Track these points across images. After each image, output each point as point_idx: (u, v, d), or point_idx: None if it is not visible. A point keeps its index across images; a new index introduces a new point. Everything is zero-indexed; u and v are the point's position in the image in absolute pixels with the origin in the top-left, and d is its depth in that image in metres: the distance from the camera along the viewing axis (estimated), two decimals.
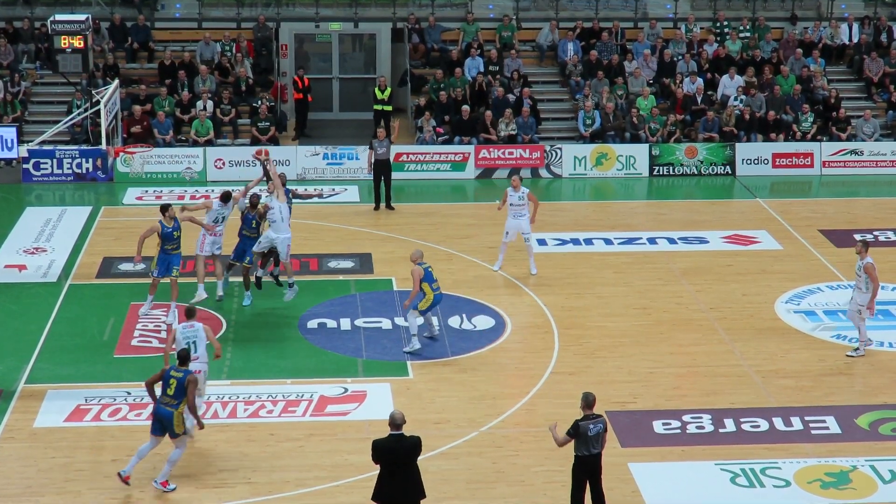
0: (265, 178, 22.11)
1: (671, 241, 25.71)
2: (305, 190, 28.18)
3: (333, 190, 29.58)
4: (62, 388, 18.42)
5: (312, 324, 21.03)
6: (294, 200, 23.18)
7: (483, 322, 21.22)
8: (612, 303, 22.23)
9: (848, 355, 19.90)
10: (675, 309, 21.95)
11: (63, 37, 29.28)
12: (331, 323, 21.07)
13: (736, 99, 32.46)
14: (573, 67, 33.69)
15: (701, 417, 17.69)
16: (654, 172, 31.04)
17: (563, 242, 25.48)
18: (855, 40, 35.23)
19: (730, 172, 31.13)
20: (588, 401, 14.43)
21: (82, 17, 30.22)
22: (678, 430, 17.36)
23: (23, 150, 29.04)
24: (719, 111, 32.40)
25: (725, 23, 35.41)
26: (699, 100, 32.60)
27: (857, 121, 32.27)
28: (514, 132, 31.22)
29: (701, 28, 35.43)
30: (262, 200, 21.35)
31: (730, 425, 17.49)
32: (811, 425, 17.54)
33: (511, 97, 32.24)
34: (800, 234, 26.20)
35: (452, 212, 28.05)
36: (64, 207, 27.94)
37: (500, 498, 15.57)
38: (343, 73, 35.43)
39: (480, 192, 29.96)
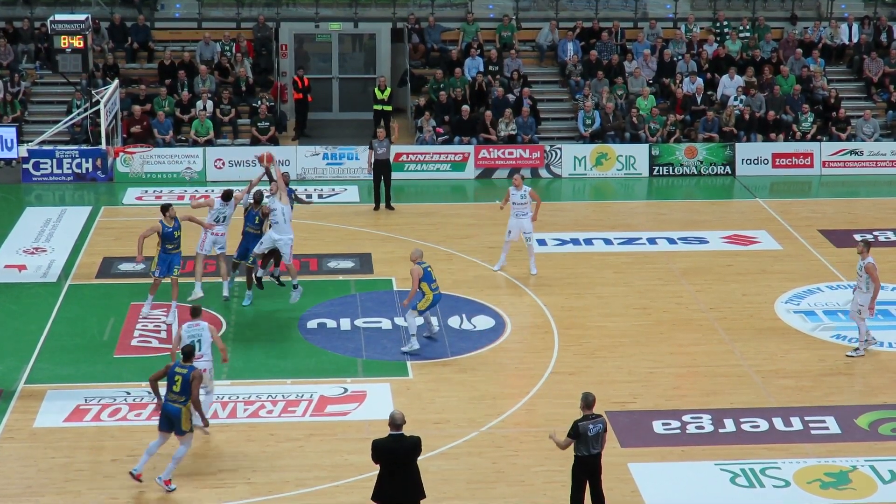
0: (267, 178, 22.10)
1: (671, 241, 25.71)
2: (306, 191, 28.15)
3: (333, 190, 29.58)
4: (62, 388, 18.42)
5: (312, 324, 21.03)
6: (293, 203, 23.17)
7: (483, 322, 21.22)
8: (612, 303, 22.23)
9: (848, 355, 19.90)
10: (675, 309, 21.95)
11: (63, 37, 29.28)
12: (331, 323, 21.07)
13: (736, 99, 32.47)
14: (573, 67, 33.69)
15: (701, 417, 17.69)
16: (654, 172, 31.04)
17: (563, 242, 25.48)
18: (855, 40, 35.24)
19: (730, 172, 31.13)
20: (587, 401, 14.43)
21: (82, 17, 30.23)
22: (678, 431, 17.36)
23: (23, 150, 29.03)
24: (719, 111, 32.41)
25: (725, 23, 35.42)
26: (699, 100, 32.60)
27: (857, 121, 32.27)
28: (513, 132, 31.22)
29: (701, 28, 35.43)
30: (264, 201, 21.32)
31: (729, 425, 17.50)
32: (811, 425, 17.54)
33: (511, 97, 32.24)
34: (800, 234, 26.20)
35: (452, 212, 28.05)
36: (64, 207, 27.94)
37: (500, 498, 15.57)
38: (343, 73, 35.43)
39: (480, 192, 29.96)
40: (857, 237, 25.64)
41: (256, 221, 21.46)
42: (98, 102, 29.45)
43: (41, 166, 29.63)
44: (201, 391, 16.28)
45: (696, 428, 17.42)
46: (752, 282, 23.32)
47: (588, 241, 25.64)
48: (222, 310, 21.37)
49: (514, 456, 16.58)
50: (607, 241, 25.66)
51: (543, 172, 30.75)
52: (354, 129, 33.48)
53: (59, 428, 17.19)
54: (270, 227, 21.09)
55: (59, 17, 29.94)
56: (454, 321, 21.17)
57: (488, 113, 31.42)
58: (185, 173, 30.10)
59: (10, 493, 15.56)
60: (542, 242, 24.81)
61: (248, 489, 15.69)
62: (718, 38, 34.92)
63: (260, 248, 21.12)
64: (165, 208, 20.73)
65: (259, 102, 31.70)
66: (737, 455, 16.65)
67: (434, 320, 20.59)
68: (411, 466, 13.85)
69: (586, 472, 14.45)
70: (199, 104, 31.53)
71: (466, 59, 33.32)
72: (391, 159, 28.02)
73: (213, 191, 28.53)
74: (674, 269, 24.01)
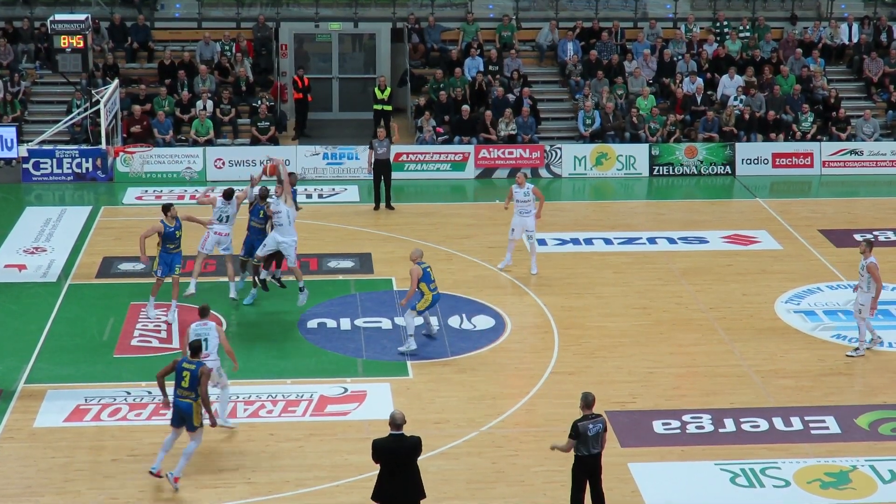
0: (275, 178, 22.03)
1: (671, 241, 25.71)
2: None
3: (333, 190, 29.58)
4: (62, 388, 18.42)
5: (312, 324, 21.03)
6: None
7: (483, 322, 21.22)
8: (611, 303, 22.23)
9: (848, 355, 19.90)
10: (675, 309, 21.95)
11: (63, 36, 29.27)
12: (331, 323, 21.07)
13: (736, 99, 32.47)
14: (573, 67, 33.69)
15: (701, 417, 17.69)
16: (654, 172, 31.04)
17: (563, 242, 25.48)
18: (855, 40, 35.24)
19: (730, 172, 31.13)
20: (587, 401, 14.43)
21: (82, 16, 30.22)
22: (678, 430, 17.36)
23: (22, 150, 29.03)
24: (719, 111, 32.40)
25: (725, 23, 35.42)
26: (699, 100, 32.60)
27: (857, 121, 32.28)
28: (513, 132, 31.22)
29: (701, 28, 35.43)
30: (269, 199, 21.22)
31: (729, 425, 17.50)
32: (811, 425, 17.54)
33: (511, 97, 32.24)
34: (800, 234, 26.20)
35: (452, 212, 28.04)
36: (64, 207, 27.94)
37: (500, 498, 15.57)
38: (343, 73, 35.43)
39: (480, 192, 29.96)
40: (858, 237, 25.68)
41: (261, 215, 21.40)
42: (98, 102, 29.45)
43: (41, 166, 29.63)
44: (212, 388, 16.37)
45: (696, 428, 17.42)
46: (752, 282, 23.32)
47: (588, 241, 25.64)
48: (223, 309, 21.35)
49: (514, 456, 16.58)
50: (607, 241, 25.66)
51: (543, 172, 30.74)
52: (354, 129, 33.48)
53: (59, 428, 17.19)
54: (273, 228, 21.04)
55: (59, 16, 29.93)
56: (454, 321, 21.17)
57: (488, 113, 31.42)
58: (185, 173, 30.10)
59: (10, 493, 15.56)
60: (542, 242, 24.80)
61: (248, 489, 15.70)
62: (718, 38, 34.92)
63: (263, 250, 21.04)
64: (167, 208, 20.71)
65: (259, 102, 31.69)
66: (737, 455, 16.65)
67: (434, 320, 20.59)
68: (411, 466, 13.85)
69: (586, 472, 14.46)
70: (199, 104, 31.53)
71: (466, 58, 33.32)
72: (391, 159, 28.02)
73: (213, 189, 28.59)
74: (674, 269, 24.01)
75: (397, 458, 13.77)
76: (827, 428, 17.49)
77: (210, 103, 31.57)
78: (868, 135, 31.95)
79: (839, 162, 31.38)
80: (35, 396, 18.09)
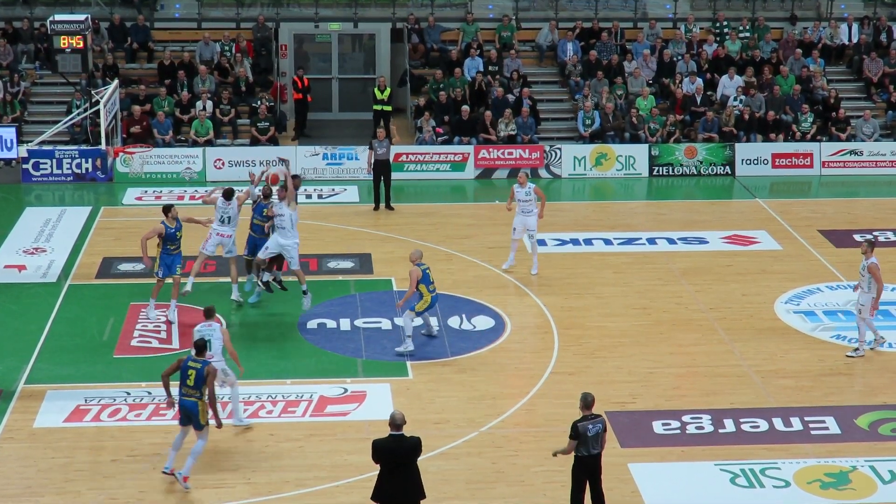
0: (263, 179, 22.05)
1: (671, 241, 25.71)
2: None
3: (333, 190, 29.58)
4: (62, 389, 18.42)
5: (312, 324, 21.02)
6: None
7: (483, 322, 21.22)
8: (611, 303, 22.23)
9: (848, 356, 19.90)
10: (675, 309, 21.95)
11: (62, 37, 29.25)
12: (330, 323, 21.07)
13: (735, 99, 32.47)
14: (573, 67, 33.69)
15: (700, 418, 17.68)
16: (654, 173, 31.05)
17: (563, 242, 25.48)
18: (854, 40, 35.24)
19: (729, 173, 31.14)
20: (587, 401, 14.43)
21: (82, 17, 30.21)
22: (678, 431, 17.36)
23: (22, 151, 29.01)
24: (719, 111, 32.41)
25: (725, 23, 35.42)
26: (699, 100, 32.60)
27: (857, 121, 32.28)
28: (513, 132, 31.22)
29: (700, 28, 35.43)
30: (272, 199, 21.14)
31: (729, 425, 17.49)
32: (811, 425, 17.54)
33: (510, 97, 32.24)
34: (799, 235, 26.20)
35: (452, 212, 28.05)
36: (63, 207, 27.94)
37: (500, 498, 15.57)
38: (342, 74, 35.43)
39: (480, 192, 29.96)
40: (857, 237, 25.71)
41: (264, 214, 21.34)
42: (98, 102, 29.44)
43: (41, 166, 29.63)
44: (221, 388, 16.44)
45: (696, 428, 17.42)
46: (752, 282, 23.32)
47: (588, 242, 25.64)
48: (223, 310, 21.31)
49: (513, 456, 16.58)
50: (607, 242, 25.66)
51: (543, 172, 30.74)
52: (354, 130, 33.48)
53: (59, 428, 17.19)
54: (275, 231, 20.95)
55: (58, 17, 29.92)
56: (454, 321, 21.17)
57: (488, 113, 31.42)
58: (184, 173, 30.10)
59: (10, 493, 15.56)
60: (541, 242, 24.79)
61: (248, 489, 15.69)
62: (718, 39, 34.93)
63: (265, 252, 20.96)
64: (167, 209, 20.69)
65: (259, 102, 31.70)
66: (737, 455, 16.65)
67: (434, 320, 20.59)
68: (411, 467, 13.85)
69: (586, 472, 14.45)
70: (199, 104, 31.53)
71: (466, 59, 33.32)
72: (391, 159, 28.01)
73: (217, 189, 28.59)
74: (673, 269, 24.01)
75: (397, 458, 13.77)
76: (827, 428, 17.49)
77: (210, 104, 31.57)
78: (868, 135, 31.96)
79: (839, 162, 31.39)
80: (35, 397, 18.09)
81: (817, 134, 32.08)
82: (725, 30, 35.22)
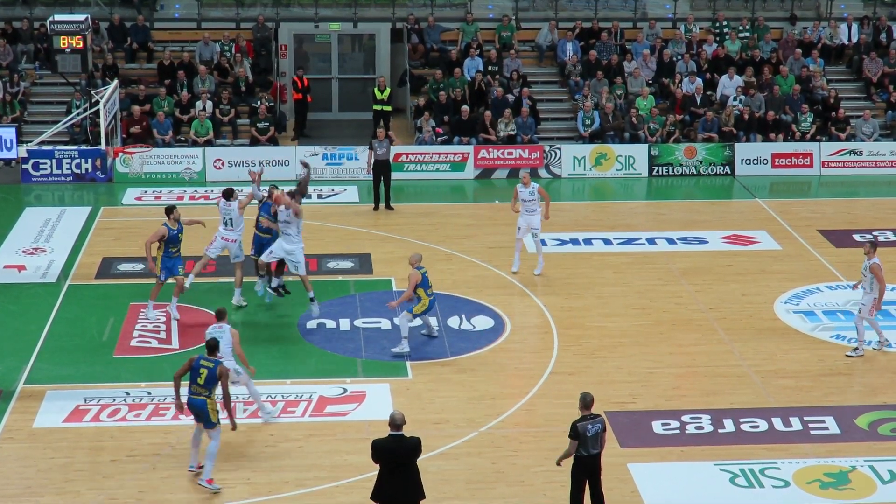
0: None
1: (670, 241, 25.71)
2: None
3: (333, 190, 29.58)
4: (61, 389, 18.42)
5: (312, 324, 21.01)
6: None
7: (482, 322, 21.22)
8: (611, 303, 22.23)
9: (847, 355, 19.90)
10: (675, 309, 21.95)
11: (62, 37, 29.23)
12: (330, 323, 21.06)
13: (735, 99, 32.47)
14: (572, 67, 33.69)
15: (700, 418, 17.68)
16: (654, 172, 31.05)
17: (563, 242, 25.48)
18: (854, 40, 35.25)
19: (729, 172, 31.14)
20: (586, 401, 14.44)
21: (81, 17, 30.19)
22: (677, 431, 17.36)
23: (22, 151, 28.97)
24: (718, 111, 32.41)
25: (725, 23, 35.42)
26: (698, 100, 32.60)
27: (857, 121, 32.28)
28: (513, 132, 31.22)
29: (700, 28, 35.43)
30: (279, 209, 21.01)
31: (729, 425, 17.49)
32: (810, 425, 17.54)
33: (510, 97, 32.24)
34: (799, 235, 26.20)
35: (452, 212, 28.05)
36: (63, 208, 27.94)
37: (500, 498, 15.57)
38: (342, 74, 35.43)
39: (480, 192, 29.96)
40: (857, 237, 25.73)
41: (271, 212, 21.21)
42: (97, 103, 29.43)
43: (41, 166, 29.63)
44: (236, 388, 16.57)
45: (696, 428, 17.42)
46: (752, 282, 23.32)
47: (588, 242, 25.64)
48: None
49: (513, 456, 16.58)
50: (607, 242, 25.66)
51: (543, 172, 30.74)
52: (354, 130, 33.49)
53: (59, 428, 17.19)
54: (280, 234, 20.83)
55: (58, 17, 29.91)
56: (454, 321, 21.17)
57: (488, 113, 31.42)
58: (184, 173, 30.10)
59: (10, 493, 15.56)
60: (542, 242, 24.79)
61: (248, 489, 15.69)
62: (718, 39, 34.93)
63: (269, 256, 20.85)
64: (170, 210, 20.65)
65: (258, 103, 31.69)
66: (736, 455, 16.65)
67: (433, 321, 20.59)
68: (411, 467, 13.85)
69: (586, 472, 14.45)
70: (199, 104, 31.53)
71: (466, 59, 33.32)
72: (391, 159, 28.01)
73: (212, 191, 28.60)
74: (673, 269, 24.01)
75: (397, 458, 13.77)
76: (826, 428, 17.49)
77: (209, 104, 31.57)
78: (867, 135, 31.96)
79: (839, 162, 31.39)
80: (34, 397, 18.09)
81: (817, 134, 32.08)
82: (725, 30, 35.22)
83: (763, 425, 17.50)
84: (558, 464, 14.71)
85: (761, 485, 15.95)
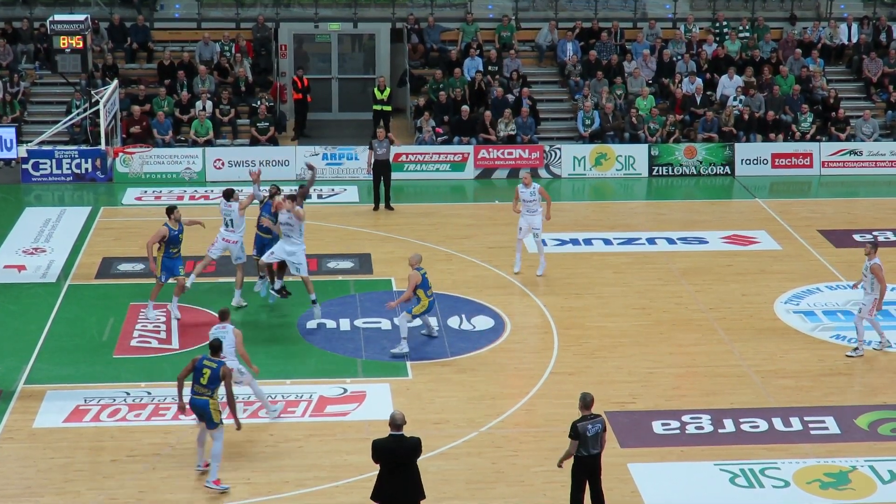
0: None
1: (670, 241, 25.71)
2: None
3: (333, 190, 29.58)
4: (61, 389, 18.41)
5: (312, 324, 21.00)
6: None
7: (482, 322, 21.22)
8: (611, 303, 22.23)
9: (847, 355, 19.90)
10: (675, 309, 21.95)
11: (62, 37, 29.22)
12: (330, 323, 21.05)
13: (735, 99, 32.47)
14: (572, 67, 33.69)
15: (700, 418, 17.68)
16: (654, 173, 31.05)
17: (563, 243, 25.47)
18: (854, 40, 35.25)
19: (729, 173, 31.14)
20: (585, 401, 14.44)
21: (81, 17, 30.19)
22: (677, 431, 17.36)
23: (22, 151, 28.89)
24: (718, 111, 32.41)
25: (725, 23, 35.41)
26: (698, 100, 32.60)
27: (857, 121, 32.28)
28: (513, 132, 31.22)
29: (700, 28, 35.43)
30: (280, 216, 20.98)
31: (729, 425, 17.49)
32: (810, 425, 17.54)
33: (510, 97, 32.24)
34: (799, 235, 26.20)
35: (452, 212, 28.05)
36: (63, 208, 27.94)
37: (500, 498, 15.57)
38: (342, 74, 35.44)
39: (480, 192, 29.96)
40: (857, 237, 25.73)
41: (273, 212, 21.19)
42: (97, 103, 29.43)
43: (41, 166, 29.63)
44: (239, 388, 16.61)
45: (696, 428, 17.42)
46: (752, 282, 23.32)
47: (588, 242, 25.64)
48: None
49: (513, 456, 16.58)
50: (607, 242, 25.66)
51: (543, 173, 30.74)
52: (354, 130, 33.49)
53: (59, 428, 17.19)
54: (282, 237, 20.81)
55: (58, 17, 29.90)
56: (454, 321, 21.17)
57: (488, 113, 31.42)
58: (184, 173, 30.10)
59: (10, 493, 15.56)
60: (542, 243, 24.79)
61: (248, 489, 15.69)
62: (718, 39, 34.93)
63: (270, 257, 20.85)
64: (171, 210, 20.64)
65: (258, 103, 31.69)
66: (736, 455, 16.65)
67: (433, 321, 20.59)
68: (411, 467, 13.85)
69: (586, 472, 14.45)
70: (199, 104, 31.53)
71: (466, 59, 33.32)
72: (391, 159, 28.01)
73: (212, 191, 28.62)
74: (673, 269, 24.01)
75: (397, 458, 13.77)
76: (826, 428, 17.49)
77: (209, 104, 31.57)
78: (867, 135, 31.96)
79: (838, 162, 31.39)
80: (35, 397, 18.09)
81: (817, 134, 32.08)
82: (725, 30, 35.22)
83: (763, 425, 17.50)
84: (559, 465, 14.71)
85: (761, 485, 15.95)
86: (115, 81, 31.12)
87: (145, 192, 29.20)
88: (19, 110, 31.67)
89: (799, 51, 34.14)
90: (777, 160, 31.29)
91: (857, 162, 31.41)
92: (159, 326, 20.73)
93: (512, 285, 22.95)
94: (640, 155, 31.07)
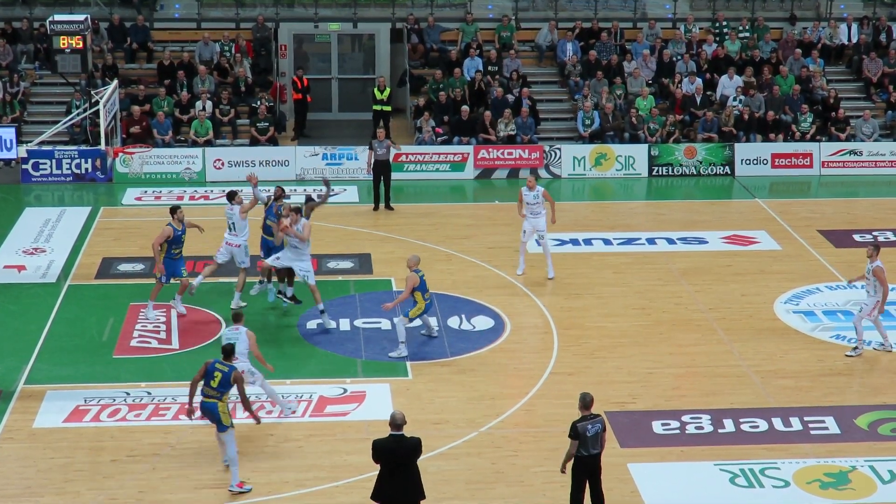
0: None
1: (670, 241, 25.72)
2: (317, 192, 28.09)
3: (333, 190, 29.50)
4: (61, 389, 18.42)
5: (312, 324, 21.01)
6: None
7: (482, 322, 21.22)
8: (611, 303, 22.23)
9: (847, 355, 19.90)
10: (675, 309, 21.95)
11: (62, 37, 29.21)
12: (330, 323, 21.05)
13: (735, 99, 32.47)
14: (572, 68, 33.69)
15: (700, 418, 17.69)
16: (654, 173, 31.05)
17: (563, 243, 25.47)
18: (854, 40, 35.25)
19: (729, 173, 31.14)
20: (585, 401, 14.44)
21: (81, 17, 30.17)
22: (677, 431, 17.36)
23: (22, 151, 28.83)
24: (718, 111, 32.41)
25: (724, 23, 35.41)
26: (698, 100, 32.60)
27: (857, 121, 32.28)
28: (513, 132, 31.22)
29: (700, 28, 35.43)
30: (285, 202, 20.93)
31: (729, 425, 17.50)
32: (810, 425, 17.54)
33: (510, 97, 32.24)
34: (799, 235, 26.20)
35: (452, 212, 28.05)
36: (63, 208, 27.94)
37: (500, 498, 15.57)
38: (342, 74, 35.43)
39: (479, 192, 29.96)
40: (857, 237, 25.73)
41: (276, 212, 21.16)
42: (97, 103, 29.42)
43: (40, 167, 29.63)
44: (251, 388, 16.66)
45: (696, 428, 17.43)
46: (752, 282, 23.33)
47: (587, 242, 25.64)
48: (223, 311, 21.32)
49: (513, 456, 16.58)
50: (606, 242, 25.66)
51: (543, 173, 30.73)
52: (354, 130, 33.49)
53: (59, 428, 17.19)
54: (286, 246, 20.75)
55: (58, 17, 29.89)
56: (453, 321, 21.17)
57: (487, 113, 31.42)
58: (184, 174, 30.10)
59: (10, 493, 15.56)
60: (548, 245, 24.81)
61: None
62: (718, 39, 34.93)
63: (277, 262, 20.81)
64: (174, 210, 20.61)
65: (258, 103, 31.69)
66: (736, 455, 16.65)
67: (433, 321, 20.59)
68: (411, 467, 13.85)
69: (586, 472, 14.46)
70: (199, 104, 31.53)
71: (466, 59, 33.32)
72: (391, 160, 28.01)
73: (212, 192, 28.63)
74: (673, 269, 24.01)
75: (397, 458, 13.77)
76: (826, 428, 17.49)
77: (209, 104, 31.57)
78: (867, 135, 31.96)
79: (838, 162, 31.39)
80: (34, 397, 18.10)
81: (817, 134, 32.08)
82: (725, 30, 35.22)
83: (763, 425, 17.51)
84: (562, 471, 14.67)
85: (761, 485, 15.95)
86: (115, 81, 31.11)
87: (145, 192, 29.20)
88: (19, 110, 31.67)
89: (799, 51, 34.15)
90: (777, 160, 31.30)
91: (856, 162, 31.41)
92: (159, 326, 20.73)
93: (512, 285, 22.96)
94: (639, 155, 31.07)
